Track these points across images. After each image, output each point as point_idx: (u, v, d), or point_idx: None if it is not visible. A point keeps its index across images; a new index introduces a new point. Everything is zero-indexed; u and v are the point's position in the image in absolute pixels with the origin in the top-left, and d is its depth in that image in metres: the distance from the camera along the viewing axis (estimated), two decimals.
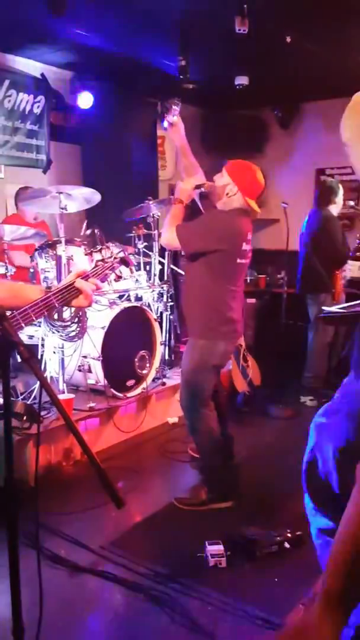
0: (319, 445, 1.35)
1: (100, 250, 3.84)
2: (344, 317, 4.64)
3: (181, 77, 5.23)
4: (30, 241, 4.26)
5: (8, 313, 1.52)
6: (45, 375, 3.58)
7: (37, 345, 3.90)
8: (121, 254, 1.96)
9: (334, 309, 4.73)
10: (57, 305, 1.68)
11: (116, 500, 1.29)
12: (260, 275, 6.90)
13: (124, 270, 4.41)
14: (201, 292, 3.17)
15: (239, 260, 3.11)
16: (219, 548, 2.70)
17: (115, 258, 1.95)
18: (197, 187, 3.22)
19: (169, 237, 3.11)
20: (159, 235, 4.88)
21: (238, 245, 3.08)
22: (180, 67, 5.18)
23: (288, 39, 4.50)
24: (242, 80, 5.61)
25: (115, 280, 1.86)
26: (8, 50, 5.17)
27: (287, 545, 2.75)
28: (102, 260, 1.93)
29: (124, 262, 1.98)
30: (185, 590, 2.50)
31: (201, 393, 3.21)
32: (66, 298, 1.69)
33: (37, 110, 5.41)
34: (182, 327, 5.46)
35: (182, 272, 5.18)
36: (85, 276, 1.77)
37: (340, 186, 5.01)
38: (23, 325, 1.58)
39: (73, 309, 3.83)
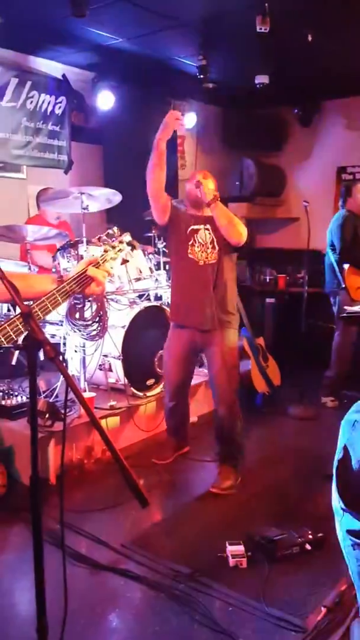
0: (352, 441, 1.32)
1: (106, 235, 3.85)
2: None
3: (201, 76, 5.23)
4: (53, 241, 4.29)
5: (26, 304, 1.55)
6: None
7: (59, 344, 3.94)
8: (127, 237, 1.98)
9: (355, 308, 4.70)
10: (70, 293, 1.72)
11: (141, 499, 1.29)
12: (279, 275, 6.86)
13: (143, 269, 4.45)
14: (232, 284, 3.53)
15: None
16: (239, 548, 2.70)
17: (121, 242, 1.97)
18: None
19: (244, 232, 3.39)
20: None
21: None
22: (201, 67, 5.18)
23: (309, 38, 4.47)
24: (262, 79, 5.58)
25: (121, 264, 1.88)
26: (30, 51, 5.21)
27: (308, 546, 2.74)
28: (109, 244, 1.94)
29: (131, 245, 2.00)
30: (206, 590, 2.50)
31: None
32: (80, 286, 1.74)
33: (58, 111, 5.44)
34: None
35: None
36: (96, 264, 1.80)
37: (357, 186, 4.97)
38: (42, 316, 1.62)
39: (94, 308, 3.86)
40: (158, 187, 3.42)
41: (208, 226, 3.45)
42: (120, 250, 1.95)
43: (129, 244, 1.99)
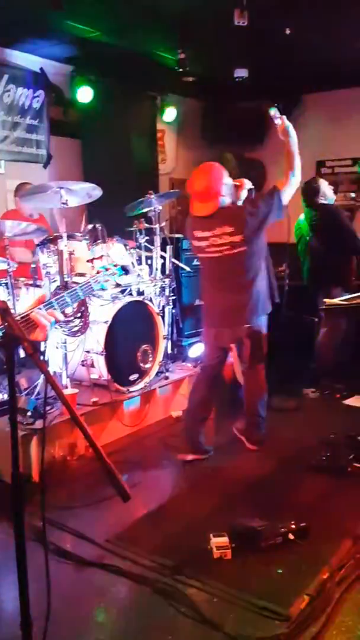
0: None
1: (102, 243, 3.85)
2: (345, 309, 4.65)
3: (181, 70, 5.22)
4: (31, 237, 4.26)
5: None
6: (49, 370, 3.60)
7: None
8: (121, 261, 1.95)
9: (335, 300, 4.73)
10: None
11: (122, 493, 1.29)
12: None
13: (125, 264, 4.43)
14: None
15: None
16: (223, 540, 2.71)
17: (114, 270, 1.90)
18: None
19: None
20: (161, 229, 4.87)
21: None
22: (180, 60, 5.17)
23: (287, 31, 4.48)
24: (241, 73, 5.59)
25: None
26: (7, 44, 5.16)
27: (291, 536, 2.76)
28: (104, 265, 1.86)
29: (124, 270, 1.94)
30: (191, 582, 2.51)
31: None
32: (24, 329, 1.52)
33: (36, 105, 5.40)
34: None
35: (187, 267, 5.24)
36: (45, 304, 1.61)
37: (322, 181, 4.99)
38: None
39: (74, 305, 3.83)
40: None
41: None
42: (113, 273, 1.89)
43: (123, 268, 1.93)
